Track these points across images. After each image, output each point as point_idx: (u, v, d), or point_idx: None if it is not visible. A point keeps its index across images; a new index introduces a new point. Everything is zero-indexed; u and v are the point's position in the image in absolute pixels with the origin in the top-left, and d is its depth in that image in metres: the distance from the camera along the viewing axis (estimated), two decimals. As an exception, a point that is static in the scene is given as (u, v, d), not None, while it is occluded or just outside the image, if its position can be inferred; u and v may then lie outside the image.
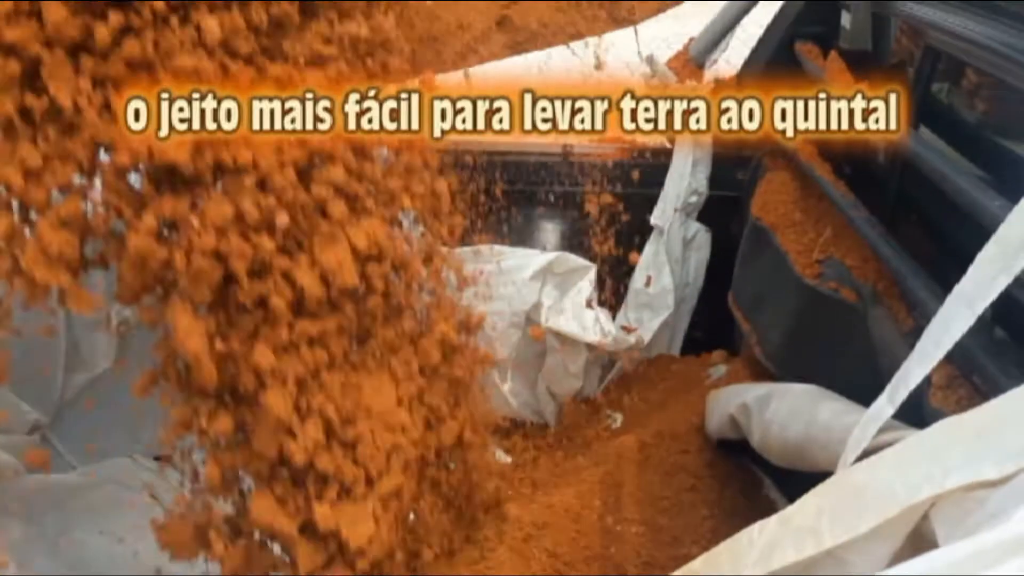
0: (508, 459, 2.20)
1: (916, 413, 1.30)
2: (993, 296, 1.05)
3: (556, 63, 2.09)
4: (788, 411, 1.53)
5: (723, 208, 2.31)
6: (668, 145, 2.30)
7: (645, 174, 2.28)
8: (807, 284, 1.68)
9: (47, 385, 1.90)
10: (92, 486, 1.87)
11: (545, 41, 2.01)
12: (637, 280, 2.29)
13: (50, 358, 1.89)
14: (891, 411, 1.17)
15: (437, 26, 1.88)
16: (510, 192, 2.26)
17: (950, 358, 1.26)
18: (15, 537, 1.55)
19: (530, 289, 2.12)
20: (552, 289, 2.16)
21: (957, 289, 1.10)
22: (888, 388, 1.18)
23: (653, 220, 2.25)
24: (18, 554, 1.53)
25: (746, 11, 2.11)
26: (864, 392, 1.28)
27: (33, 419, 1.86)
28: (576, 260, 2.18)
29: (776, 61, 2.12)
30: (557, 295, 2.16)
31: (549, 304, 2.13)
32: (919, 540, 0.90)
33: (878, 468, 0.96)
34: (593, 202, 2.28)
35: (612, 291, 2.33)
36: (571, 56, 2.05)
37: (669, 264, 2.28)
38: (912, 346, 1.16)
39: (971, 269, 1.09)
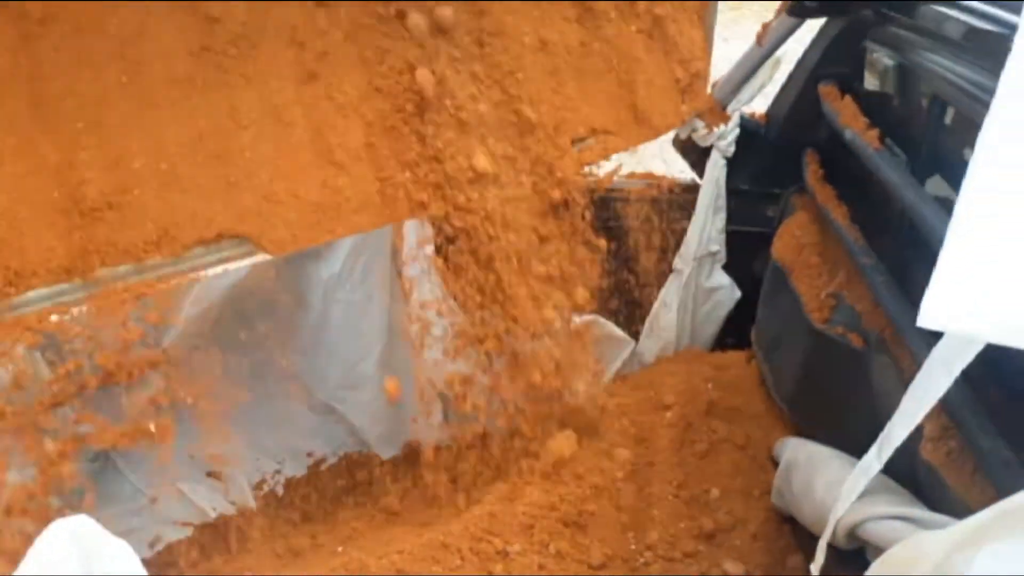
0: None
1: (909, 463, 1.34)
2: (969, 359, 1.08)
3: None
4: (799, 486, 1.59)
5: (752, 245, 2.34)
6: (698, 181, 2.32)
7: (672, 212, 2.31)
8: (816, 328, 1.71)
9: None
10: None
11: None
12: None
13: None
14: (879, 467, 1.22)
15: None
16: None
17: (944, 409, 1.30)
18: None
19: None
20: None
21: (935, 352, 1.14)
22: (876, 444, 1.23)
23: (675, 264, 2.27)
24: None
25: (768, 56, 2.14)
26: (869, 439, 1.32)
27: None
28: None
29: (802, 102, 2.15)
30: None
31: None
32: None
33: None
34: (622, 238, 2.30)
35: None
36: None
37: (677, 313, 2.29)
38: (910, 395, 1.20)
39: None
